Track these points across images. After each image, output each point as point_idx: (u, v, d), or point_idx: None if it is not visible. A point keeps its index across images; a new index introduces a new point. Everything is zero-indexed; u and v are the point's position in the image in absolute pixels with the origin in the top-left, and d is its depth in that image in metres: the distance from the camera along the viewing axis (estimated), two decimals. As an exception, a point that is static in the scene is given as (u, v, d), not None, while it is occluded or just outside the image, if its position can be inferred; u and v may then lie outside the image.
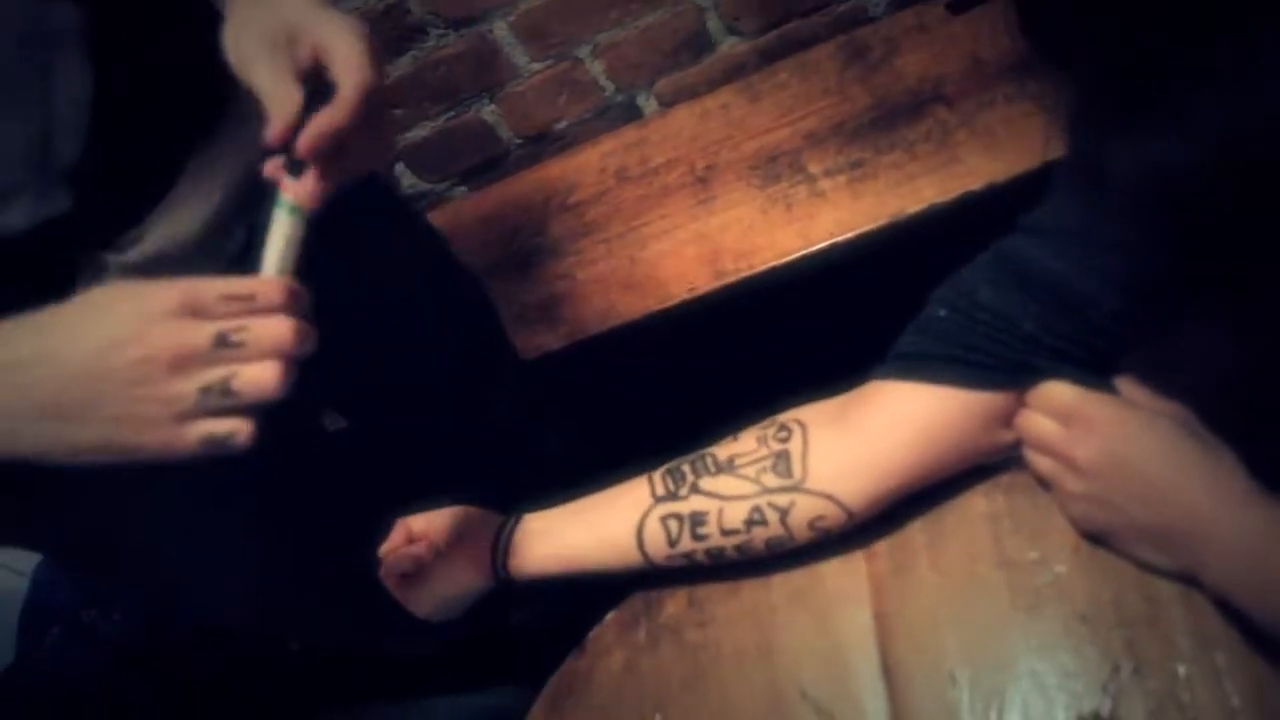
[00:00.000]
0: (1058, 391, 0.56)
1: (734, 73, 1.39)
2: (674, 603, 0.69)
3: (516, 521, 0.70)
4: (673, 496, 0.64)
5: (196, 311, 0.47)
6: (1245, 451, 0.53)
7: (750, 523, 0.62)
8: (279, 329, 0.48)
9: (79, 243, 0.64)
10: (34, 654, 1.32)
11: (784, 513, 0.61)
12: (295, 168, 0.55)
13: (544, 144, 1.46)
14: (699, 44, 1.36)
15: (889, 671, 0.60)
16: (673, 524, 0.63)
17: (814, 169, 1.24)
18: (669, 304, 1.22)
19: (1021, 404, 0.59)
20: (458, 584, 0.71)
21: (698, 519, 0.63)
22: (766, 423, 0.64)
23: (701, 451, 0.65)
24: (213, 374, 0.47)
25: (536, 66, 1.35)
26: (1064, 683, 0.56)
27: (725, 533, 0.62)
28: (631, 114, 1.44)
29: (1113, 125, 0.46)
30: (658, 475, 0.66)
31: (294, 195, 0.55)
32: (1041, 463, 0.59)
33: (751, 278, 1.20)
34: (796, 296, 1.20)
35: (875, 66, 1.30)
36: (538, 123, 1.43)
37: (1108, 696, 0.54)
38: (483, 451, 1.05)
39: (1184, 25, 0.41)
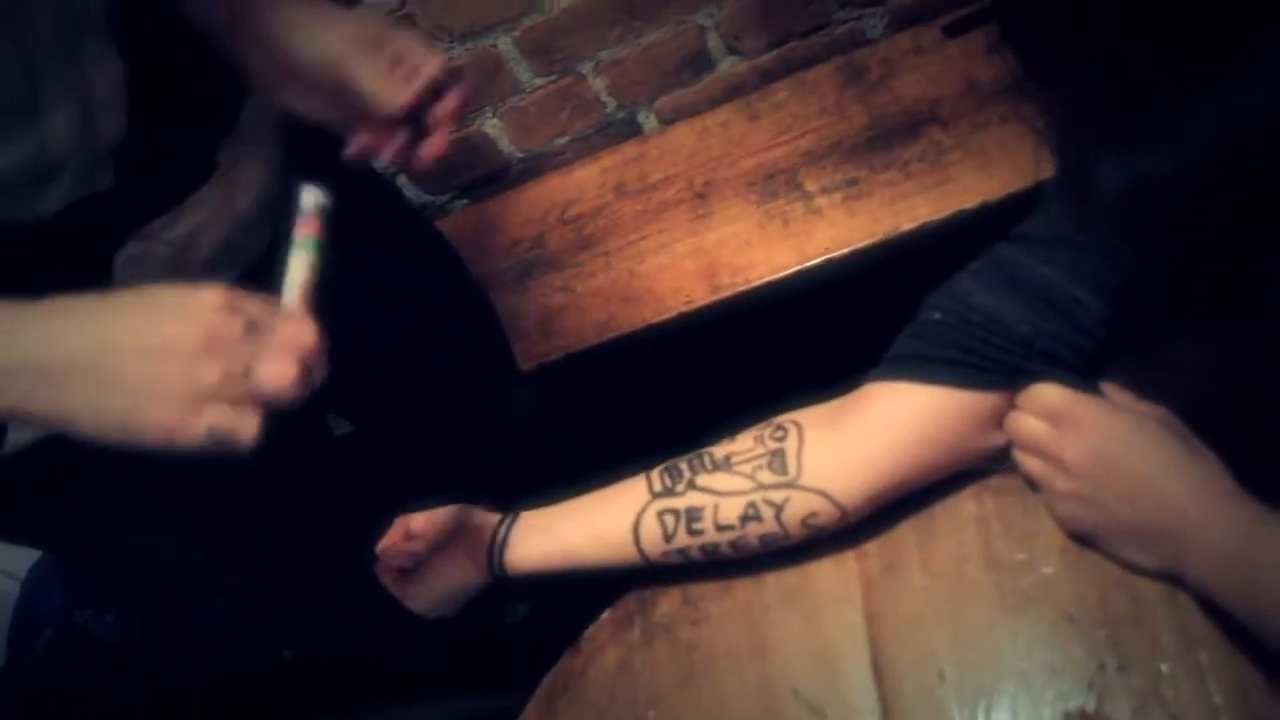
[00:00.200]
0: (1047, 393, 0.58)
1: (733, 92, 1.41)
2: (668, 601, 0.70)
3: (514, 518, 0.71)
4: (669, 492, 0.65)
5: (235, 310, 0.50)
6: (1234, 455, 0.54)
7: (745, 518, 0.62)
8: (304, 332, 0.52)
9: (117, 223, 0.66)
10: (26, 656, 1.31)
11: (778, 509, 0.62)
12: (415, 133, 0.68)
13: (545, 158, 1.47)
14: (700, 63, 1.38)
15: (879, 670, 0.61)
16: (669, 519, 0.64)
17: (810, 186, 1.26)
18: (666, 316, 1.23)
19: (1013, 406, 0.60)
20: (454, 580, 0.72)
21: (693, 514, 0.63)
22: (764, 424, 0.65)
23: (699, 450, 0.66)
24: (238, 358, 0.49)
25: (539, 82, 1.36)
26: (1051, 680, 0.56)
27: (720, 528, 0.63)
28: (632, 130, 1.45)
29: (1101, 139, 0.48)
30: (655, 472, 0.66)
31: (311, 232, 0.58)
32: (1030, 463, 0.60)
33: (747, 292, 1.21)
34: (791, 311, 1.21)
35: (873, 87, 1.32)
36: (539, 137, 1.44)
37: (1093, 694, 0.55)
38: (483, 452, 1.06)
39: (1171, 41, 0.42)
